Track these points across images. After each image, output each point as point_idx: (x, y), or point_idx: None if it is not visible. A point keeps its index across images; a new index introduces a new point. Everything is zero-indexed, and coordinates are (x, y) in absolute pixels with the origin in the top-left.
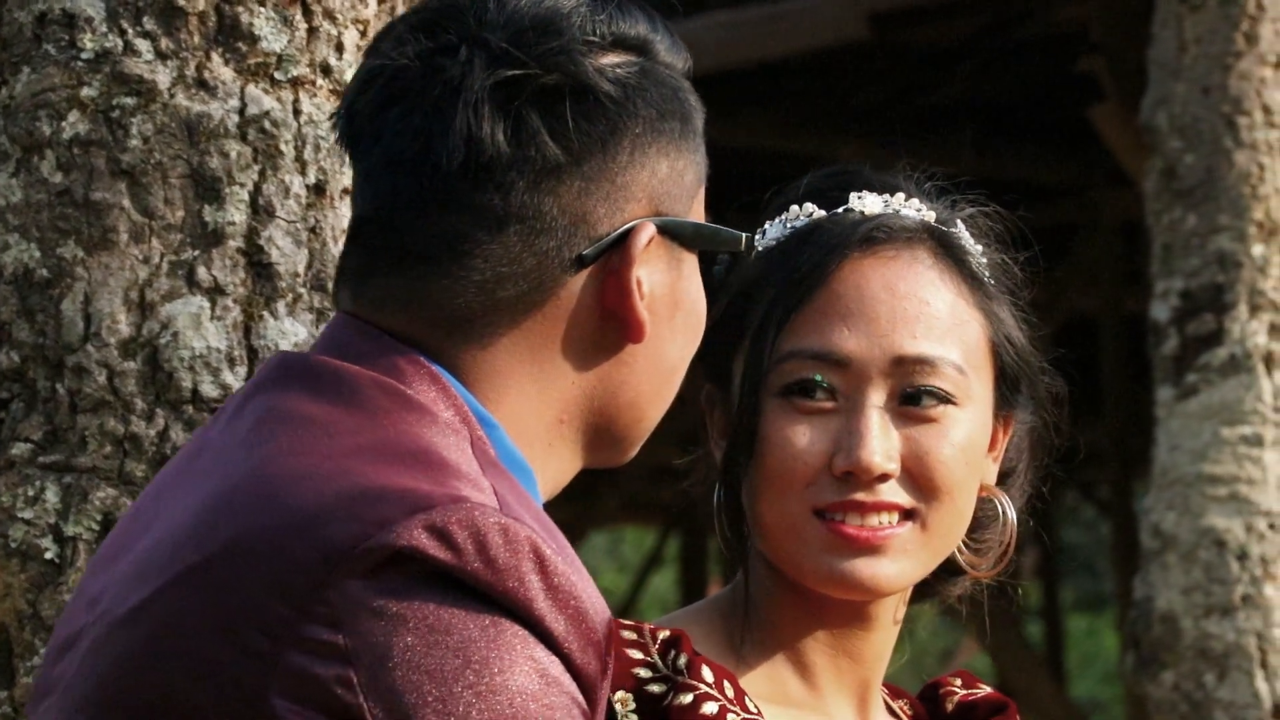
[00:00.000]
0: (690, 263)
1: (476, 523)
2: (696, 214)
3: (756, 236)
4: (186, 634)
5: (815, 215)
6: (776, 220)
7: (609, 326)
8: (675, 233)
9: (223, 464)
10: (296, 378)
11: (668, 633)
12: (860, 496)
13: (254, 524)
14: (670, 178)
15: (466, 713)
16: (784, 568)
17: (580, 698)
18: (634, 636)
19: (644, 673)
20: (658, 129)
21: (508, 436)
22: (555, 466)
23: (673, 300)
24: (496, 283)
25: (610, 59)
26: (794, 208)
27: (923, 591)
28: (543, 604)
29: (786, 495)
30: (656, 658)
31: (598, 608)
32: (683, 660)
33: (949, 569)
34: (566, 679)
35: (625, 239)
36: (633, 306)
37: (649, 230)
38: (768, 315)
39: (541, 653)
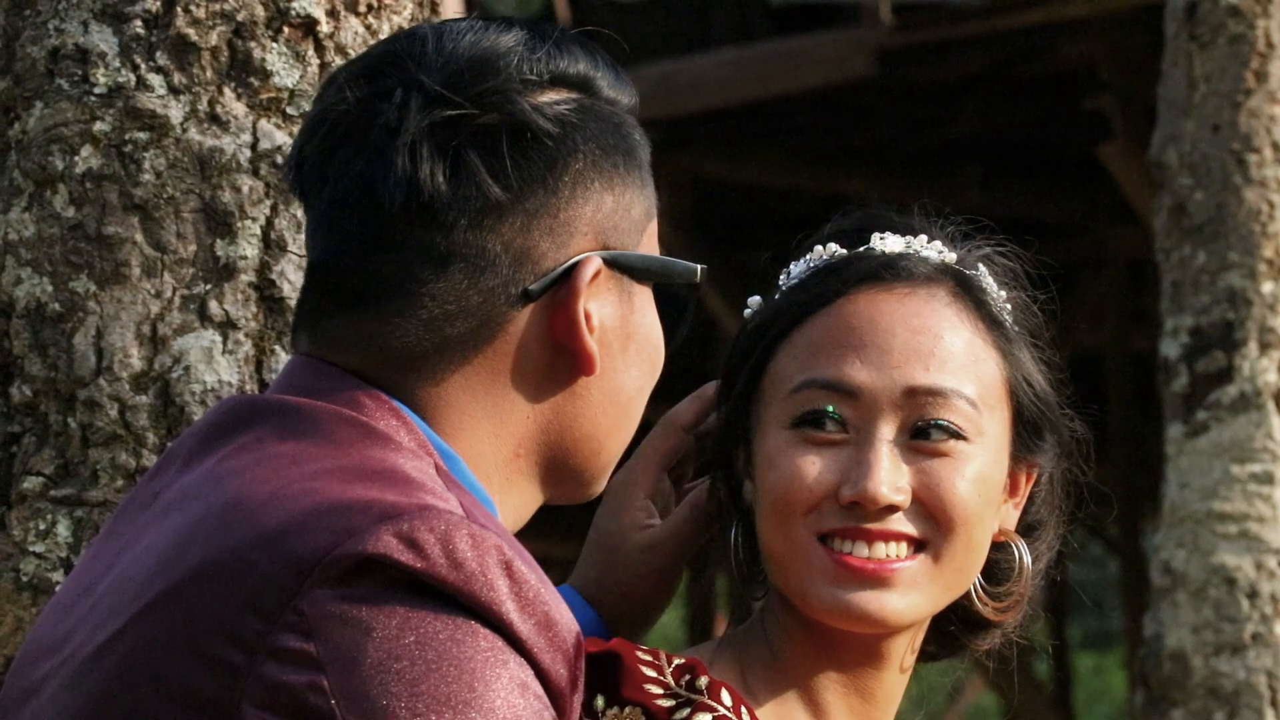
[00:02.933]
0: (643, 296)
1: (445, 529)
2: (648, 248)
3: (781, 278)
4: (157, 657)
5: (837, 254)
6: (801, 261)
7: (560, 360)
8: (624, 266)
9: (188, 501)
10: (258, 418)
11: (682, 660)
12: (867, 525)
13: (222, 546)
14: (616, 211)
15: (439, 714)
16: (792, 598)
17: (549, 705)
18: (649, 659)
19: (656, 689)
20: (600, 164)
21: (467, 469)
22: (515, 500)
23: (625, 333)
24: (445, 320)
25: (548, 96)
26: (818, 248)
27: (951, 647)
28: (511, 608)
29: (790, 521)
30: (670, 679)
31: (566, 620)
32: (702, 682)
33: (973, 621)
34: (536, 684)
35: (571, 273)
36: (581, 339)
37: (595, 263)
38: (765, 331)
39: (511, 656)
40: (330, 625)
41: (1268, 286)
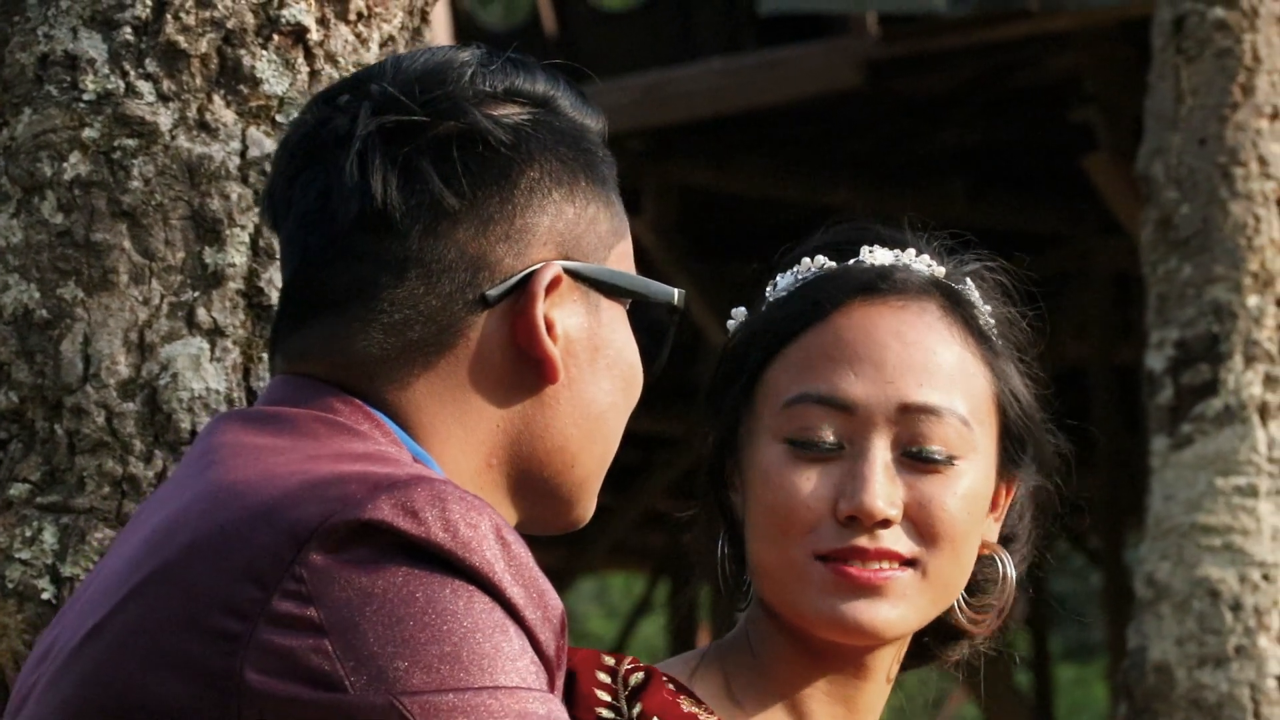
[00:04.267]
0: (612, 311)
1: (440, 497)
2: (619, 265)
3: (768, 289)
4: (149, 634)
5: (826, 266)
6: (788, 272)
7: (525, 367)
8: (589, 278)
9: (170, 497)
10: (237, 423)
11: (641, 675)
12: (862, 543)
13: (213, 523)
14: (578, 224)
15: (440, 674)
16: (784, 612)
17: (544, 671)
18: (608, 679)
19: (606, 713)
20: (558, 176)
21: (442, 473)
22: None
23: (592, 345)
24: (404, 325)
25: (504, 109)
26: (805, 260)
27: (923, 655)
28: (505, 576)
29: (788, 540)
30: (624, 703)
31: (553, 593)
32: (636, 710)
33: (948, 632)
34: (532, 651)
35: (530, 279)
36: (540, 344)
37: (553, 270)
38: (756, 344)
39: (509, 621)
40: (331, 589)
41: (1253, 300)
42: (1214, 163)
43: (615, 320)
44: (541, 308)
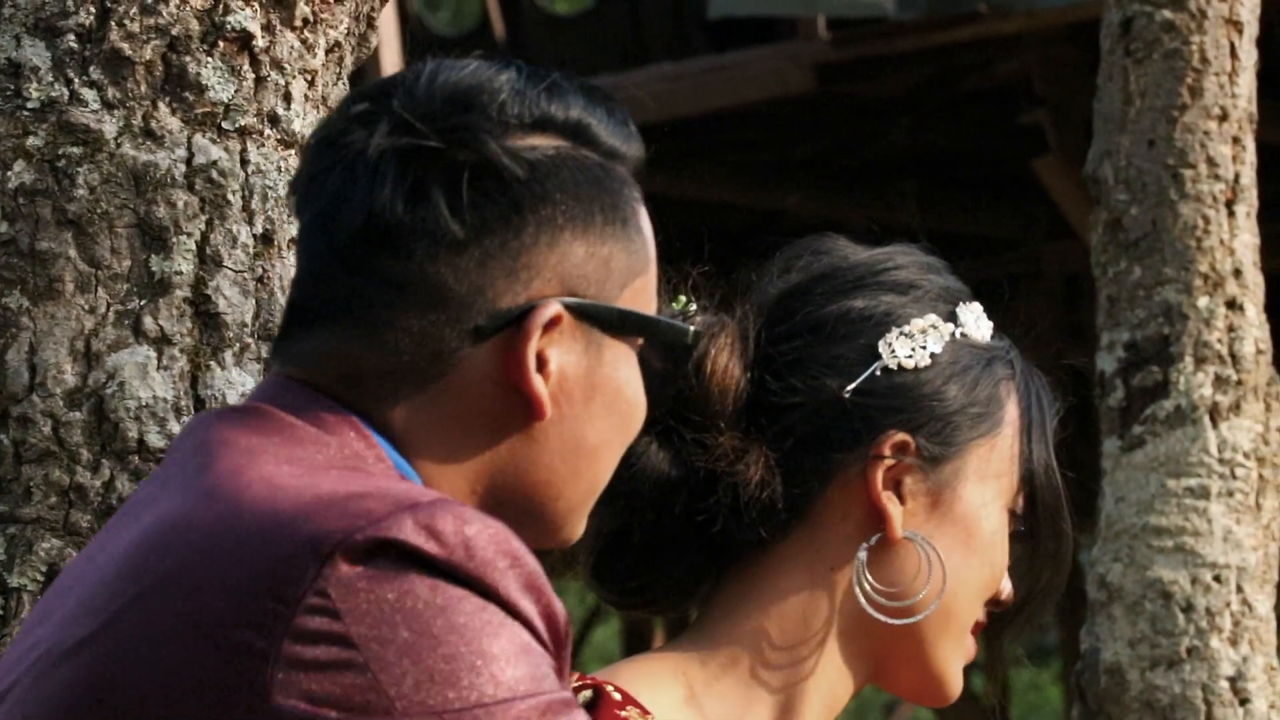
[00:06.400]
0: (616, 350)
1: (460, 519)
2: (633, 304)
3: (964, 316)
4: (156, 644)
5: (1008, 349)
6: (973, 319)
7: (514, 402)
8: (593, 316)
9: (161, 498)
10: (221, 417)
11: (589, 693)
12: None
13: (221, 534)
14: (587, 262)
15: (471, 684)
16: (917, 655)
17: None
18: None
19: None
20: (572, 214)
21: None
22: None
23: (589, 384)
24: (396, 346)
25: (525, 140)
26: (982, 320)
27: None
28: (518, 596)
29: (982, 603)
30: None
31: (562, 610)
32: None
33: None
34: (551, 662)
35: (526, 315)
36: (528, 381)
37: (552, 308)
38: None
39: (527, 635)
40: (356, 603)
41: (1203, 301)
42: (1163, 164)
43: (619, 359)
44: (534, 345)
